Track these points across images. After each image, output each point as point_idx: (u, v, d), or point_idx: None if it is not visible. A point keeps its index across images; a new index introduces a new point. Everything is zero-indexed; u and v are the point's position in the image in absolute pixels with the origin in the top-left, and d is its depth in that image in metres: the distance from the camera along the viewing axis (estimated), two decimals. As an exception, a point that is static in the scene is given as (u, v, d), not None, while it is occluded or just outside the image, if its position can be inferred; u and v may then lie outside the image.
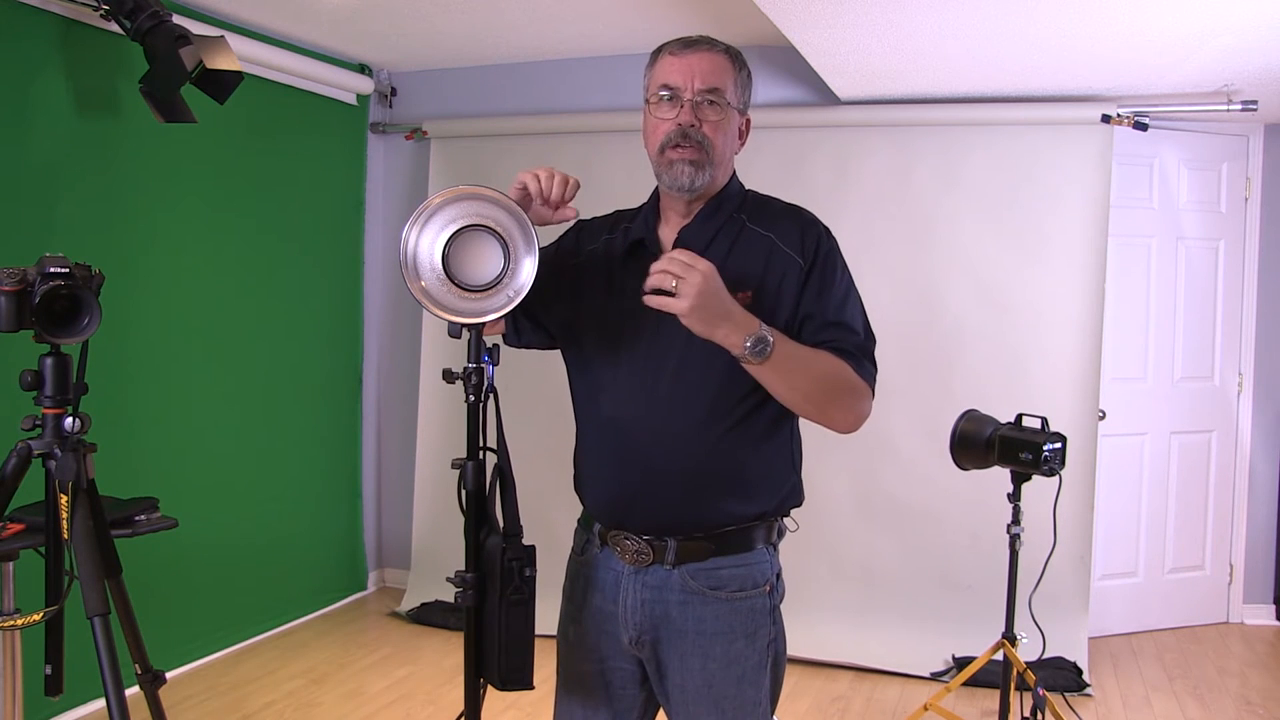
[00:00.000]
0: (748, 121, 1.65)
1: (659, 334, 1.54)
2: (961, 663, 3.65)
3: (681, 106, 1.56)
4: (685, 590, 1.58)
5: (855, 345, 1.55)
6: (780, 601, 1.65)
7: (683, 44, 1.59)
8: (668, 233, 1.64)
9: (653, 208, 1.68)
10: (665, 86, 1.57)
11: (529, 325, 1.73)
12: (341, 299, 4.50)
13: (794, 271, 1.56)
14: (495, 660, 1.51)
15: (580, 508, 1.72)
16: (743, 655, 1.59)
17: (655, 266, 1.42)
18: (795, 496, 1.65)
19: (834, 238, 1.62)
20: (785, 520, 1.66)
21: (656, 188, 1.66)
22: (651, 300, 1.42)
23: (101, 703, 2.62)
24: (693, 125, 1.55)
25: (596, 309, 1.65)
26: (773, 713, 1.66)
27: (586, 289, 1.67)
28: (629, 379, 1.59)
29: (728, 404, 1.54)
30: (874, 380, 1.57)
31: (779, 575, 1.64)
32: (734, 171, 1.67)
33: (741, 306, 1.45)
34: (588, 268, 1.69)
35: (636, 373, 1.58)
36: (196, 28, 3.21)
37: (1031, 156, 3.78)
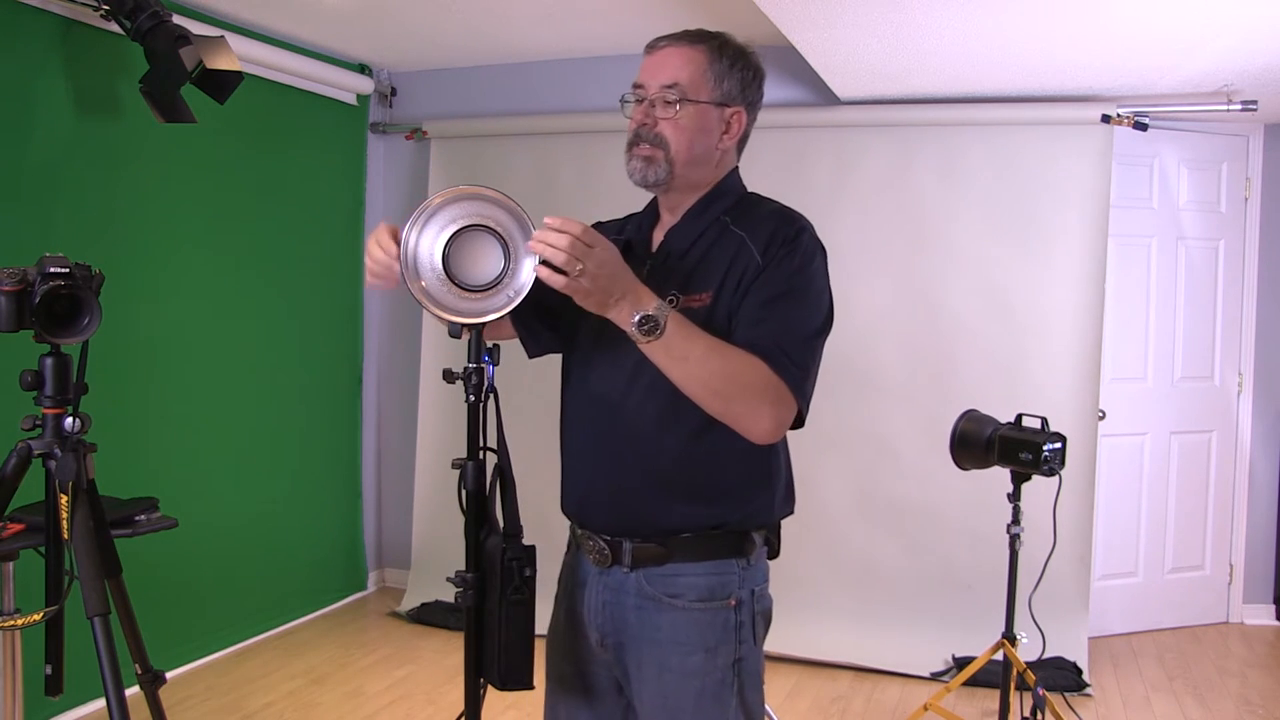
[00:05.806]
0: (737, 113, 1.57)
1: None
2: (961, 663, 3.65)
3: (640, 106, 1.56)
4: (641, 595, 1.54)
5: (775, 343, 1.44)
6: (754, 621, 1.55)
7: (657, 40, 1.58)
8: (659, 234, 1.63)
9: (651, 209, 1.68)
10: (634, 85, 1.57)
11: (546, 331, 1.68)
12: (341, 299, 4.50)
13: (751, 270, 1.49)
14: (495, 660, 1.50)
15: None
16: (701, 670, 1.51)
17: (547, 235, 1.35)
18: (766, 512, 1.56)
19: (802, 241, 1.51)
20: (757, 535, 1.56)
21: None
22: (540, 271, 1.37)
23: (101, 703, 2.61)
24: (644, 125, 1.54)
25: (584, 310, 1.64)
26: None
27: None
28: (601, 378, 1.58)
29: (691, 406, 1.46)
30: (797, 383, 1.45)
31: (754, 593, 1.55)
32: (734, 170, 1.63)
33: (646, 287, 1.40)
34: None
35: (609, 372, 1.56)
36: (196, 28, 3.21)
37: (1031, 156, 3.77)
